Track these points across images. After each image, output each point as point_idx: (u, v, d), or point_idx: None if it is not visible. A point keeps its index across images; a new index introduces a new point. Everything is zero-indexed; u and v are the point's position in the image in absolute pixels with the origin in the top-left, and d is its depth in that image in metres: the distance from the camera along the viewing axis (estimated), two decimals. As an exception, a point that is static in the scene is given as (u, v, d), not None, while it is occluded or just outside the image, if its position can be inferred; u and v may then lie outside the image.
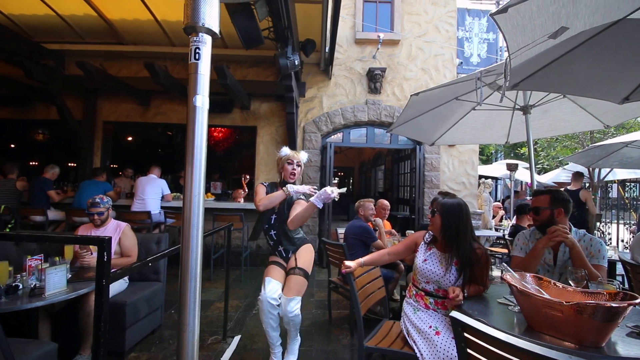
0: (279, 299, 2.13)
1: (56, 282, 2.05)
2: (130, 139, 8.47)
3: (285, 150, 2.45)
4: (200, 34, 1.17)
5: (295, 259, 2.30)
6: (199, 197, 1.20)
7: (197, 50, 1.16)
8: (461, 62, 6.11)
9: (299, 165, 2.42)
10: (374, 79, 5.49)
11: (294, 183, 2.39)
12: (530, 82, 2.11)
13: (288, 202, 2.33)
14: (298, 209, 2.22)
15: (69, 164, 7.64)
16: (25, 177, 4.95)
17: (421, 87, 5.55)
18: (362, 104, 5.59)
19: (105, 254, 1.16)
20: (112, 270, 1.32)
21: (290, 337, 2.32)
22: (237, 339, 2.78)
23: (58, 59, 4.85)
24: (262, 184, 2.46)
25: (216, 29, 1.19)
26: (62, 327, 2.36)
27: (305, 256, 2.32)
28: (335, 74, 5.58)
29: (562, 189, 5.71)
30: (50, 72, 4.54)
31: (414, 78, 5.67)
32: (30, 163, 8.23)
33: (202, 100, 1.19)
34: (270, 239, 2.36)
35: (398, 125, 3.54)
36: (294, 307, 2.12)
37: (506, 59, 1.86)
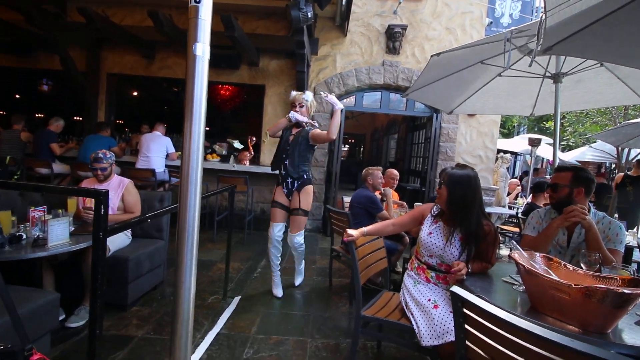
0: (283, 234, 2.94)
1: (59, 233, 2.12)
2: (135, 94, 8.43)
3: (292, 94, 2.98)
4: (199, -27, 1.07)
5: (299, 200, 2.88)
6: (197, 154, 1.16)
7: (196, -8, 1.07)
8: (491, 22, 5.71)
9: (301, 106, 2.92)
10: (393, 38, 5.20)
11: (300, 124, 2.92)
12: (565, 46, 1.95)
13: (301, 137, 2.87)
14: (319, 131, 2.87)
15: (75, 118, 7.70)
16: (30, 128, 5.01)
17: (444, 48, 5.24)
18: (378, 65, 5.35)
19: (102, 207, 1.17)
20: (111, 224, 1.34)
21: (297, 263, 3.25)
22: (237, 299, 2.89)
23: (59, 4, 4.70)
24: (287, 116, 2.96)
25: (216, -32, 1.10)
26: (65, 278, 2.47)
27: (307, 199, 2.92)
28: (351, 30, 5.30)
29: (622, 173, 5.51)
30: (52, 18, 4.42)
31: (437, 38, 5.35)
32: (37, 115, 8.32)
33: (202, 49, 1.12)
34: (284, 169, 2.90)
35: (415, 89, 3.39)
36: (300, 240, 2.98)
37: (541, 17, 1.71)
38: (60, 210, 2.36)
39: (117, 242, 2.63)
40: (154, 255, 2.83)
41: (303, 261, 3.26)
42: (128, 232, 2.82)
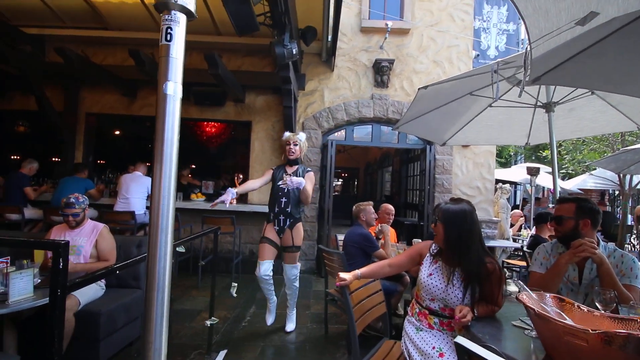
0: (271, 272, 3.02)
1: (21, 287, 2.01)
2: (117, 133, 8.47)
3: (286, 135, 3.19)
4: (172, 12, 1.10)
5: (292, 237, 3.09)
6: (168, 198, 1.13)
7: (169, 30, 1.09)
8: (477, 55, 6.00)
9: (295, 144, 3.14)
10: (380, 72, 5.41)
11: (295, 160, 3.17)
12: (553, 76, 2.02)
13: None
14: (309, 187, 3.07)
15: (51, 159, 7.65)
16: (3, 172, 4.93)
17: (433, 81, 5.46)
18: (367, 99, 5.51)
19: (60, 260, 1.09)
20: (76, 277, 1.26)
21: (290, 305, 3.30)
22: (222, 353, 2.71)
23: (37, 44, 4.83)
24: (272, 168, 3.25)
25: (191, 7, 1.13)
26: (30, 337, 2.30)
27: (299, 235, 3.14)
28: (338, 65, 5.52)
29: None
30: (29, 58, 4.52)
31: (425, 71, 5.58)
32: (12, 157, 8.25)
33: (174, 88, 1.12)
34: (279, 207, 3.07)
35: (405, 122, 3.45)
36: (295, 272, 3.16)
37: (526, 48, 1.78)
38: (25, 261, 2.25)
39: (89, 293, 2.49)
40: (131, 307, 2.69)
41: (295, 304, 3.31)
42: (101, 282, 2.68)
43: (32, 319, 2.38)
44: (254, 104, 5.50)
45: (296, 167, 3.18)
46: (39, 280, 2.23)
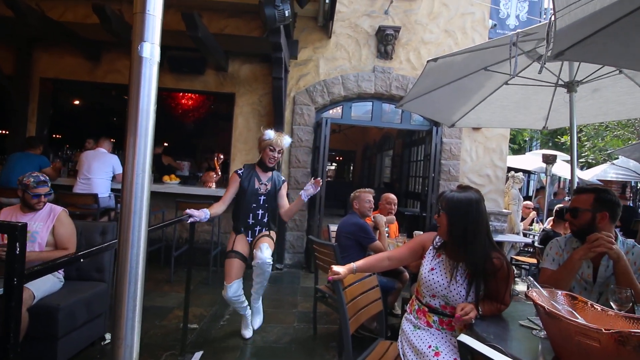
0: (242, 291, 2.95)
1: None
2: (76, 102, 8.30)
3: (270, 134, 3.04)
4: (149, -40, 1.07)
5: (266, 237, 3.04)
6: (143, 176, 1.13)
7: (145, -19, 1.07)
8: (495, 25, 5.99)
9: (280, 153, 3.08)
10: (384, 41, 5.37)
11: (272, 168, 3.12)
12: (579, 51, 2.04)
13: (276, 188, 3.13)
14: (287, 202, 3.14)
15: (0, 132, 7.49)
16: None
17: (443, 53, 5.46)
18: (368, 72, 5.48)
19: (17, 244, 1.09)
20: (33, 265, 1.26)
21: (255, 296, 3.18)
22: (198, 355, 2.76)
23: (-18, -6, 4.64)
24: (237, 172, 3.10)
25: (170, -46, 1.10)
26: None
27: (273, 240, 3.10)
28: (336, 31, 5.45)
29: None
30: (-28, 11, 4.35)
31: (435, 42, 5.56)
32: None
33: (150, 50, 1.10)
34: (254, 218, 3.03)
35: (410, 99, 3.46)
36: (269, 256, 2.90)
37: (550, 18, 1.79)
38: (-31, 249, 2.23)
39: (45, 286, 2.49)
40: (93, 303, 2.70)
41: (261, 296, 3.27)
42: (59, 274, 2.68)
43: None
44: (238, 74, 5.42)
45: (270, 173, 3.14)
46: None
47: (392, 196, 4.01)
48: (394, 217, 3.91)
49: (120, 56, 5.39)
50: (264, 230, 3.08)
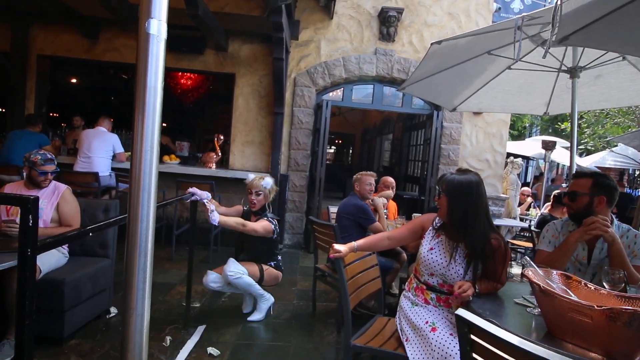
0: (218, 281, 2.96)
1: (-25, 251, 2.03)
2: (73, 81, 8.22)
3: (249, 177, 3.08)
4: None
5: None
6: (151, 154, 1.15)
7: (154, -44, 1.07)
8: (499, 8, 5.93)
9: (258, 194, 3.02)
10: (387, 22, 5.31)
11: (258, 212, 3.08)
12: (584, 36, 2.04)
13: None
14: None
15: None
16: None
17: (446, 36, 5.42)
18: (370, 54, 5.44)
19: (30, 217, 1.12)
20: (42, 239, 1.29)
21: (257, 298, 3.12)
22: (200, 329, 2.84)
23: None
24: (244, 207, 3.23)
25: None
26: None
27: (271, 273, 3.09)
28: (338, 12, 5.38)
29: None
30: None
31: (438, 24, 5.50)
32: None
33: (157, 27, 1.12)
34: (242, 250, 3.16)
35: (413, 82, 3.45)
36: (231, 268, 2.87)
37: (556, 2, 1.78)
38: (-24, 223, 2.27)
39: (50, 261, 2.53)
40: (98, 278, 2.75)
41: (267, 296, 3.14)
42: (64, 249, 2.72)
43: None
44: (239, 54, 5.37)
45: (259, 217, 3.03)
46: (-6, 244, 2.25)
47: (391, 179, 4.05)
48: (392, 192, 3.95)
49: (118, 34, 5.33)
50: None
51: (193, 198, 2.72)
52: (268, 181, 3.06)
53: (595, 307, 1.17)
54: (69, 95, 8.10)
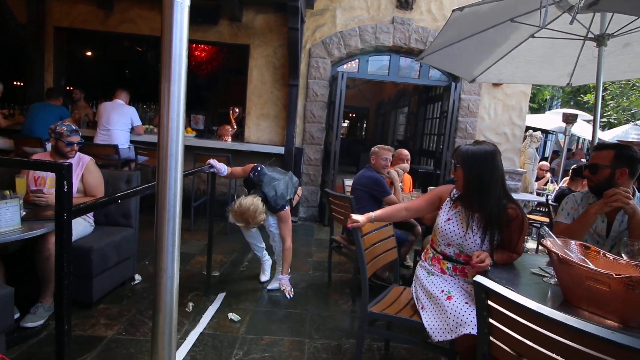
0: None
1: (8, 219, 2.12)
2: (89, 54, 8.24)
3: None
4: None
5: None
6: (178, 121, 1.18)
7: None
8: (524, -27, 5.66)
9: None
10: (405, -11, 5.13)
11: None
12: (614, 1, 1.97)
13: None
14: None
15: (14, 82, 7.52)
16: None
17: (466, 3, 5.24)
18: (387, 23, 5.29)
19: (65, 182, 1.17)
20: (78, 204, 1.36)
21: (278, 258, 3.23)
22: (221, 296, 2.96)
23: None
24: (257, 168, 3.07)
25: None
26: (17, 271, 2.48)
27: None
28: (355, -21, 5.21)
29: None
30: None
31: (459, -9, 5.29)
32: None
33: (182, -7, 1.11)
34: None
35: (432, 52, 3.37)
36: (271, 222, 3.05)
37: (588, -36, 1.71)
38: (7, 192, 2.35)
39: (78, 229, 2.64)
40: (122, 246, 2.86)
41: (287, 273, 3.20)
42: (90, 218, 2.83)
43: (18, 253, 2.55)
44: (253, 24, 5.29)
45: None
46: (24, 213, 2.35)
47: (405, 152, 4.03)
48: (408, 165, 3.94)
49: (133, 5, 5.29)
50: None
51: (212, 169, 2.77)
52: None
53: (614, 275, 1.19)
54: (83, 69, 8.15)
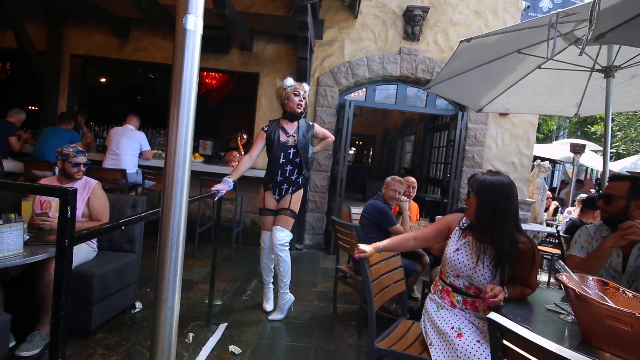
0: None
1: (11, 243, 2.10)
2: (102, 80, 8.46)
3: (290, 81, 3.01)
4: None
5: (290, 200, 3.02)
6: (185, 148, 1.17)
7: (191, -46, 1.09)
8: (528, 6, 5.77)
9: (304, 98, 3.00)
10: (412, 21, 5.26)
11: (301, 114, 3.04)
12: (621, 33, 1.98)
13: (308, 134, 3.09)
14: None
15: (30, 107, 7.71)
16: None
17: (473, 34, 5.34)
18: (394, 54, 5.39)
19: (69, 208, 1.16)
20: (78, 231, 1.33)
21: (280, 287, 3.05)
22: (222, 327, 2.87)
23: (17, -30, 4.75)
24: (263, 129, 3.11)
25: None
26: (17, 297, 2.44)
27: (298, 202, 3.08)
28: (362, 11, 5.36)
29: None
30: (7, -15, 4.47)
31: (464, 23, 5.41)
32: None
33: (194, 22, 1.13)
34: (282, 175, 3.00)
35: (439, 81, 3.40)
36: (282, 236, 2.93)
37: (594, -2, 1.73)
38: (12, 215, 2.35)
39: (80, 254, 2.61)
40: (125, 272, 2.81)
41: (289, 295, 3.12)
42: (93, 244, 2.80)
43: (19, 278, 2.51)
44: (263, 53, 5.42)
45: (297, 123, 3.05)
46: (28, 237, 2.33)
47: (412, 179, 3.99)
48: (408, 202, 3.80)
49: (147, 33, 5.46)
50: (290, 189, 3.04)
51: (219, 195, 2.74)
52: (307, 86, 3.09)
53: (638, 314, 1.12)
54: (97, 94, 8.35)
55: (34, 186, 1.92)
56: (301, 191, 3.12)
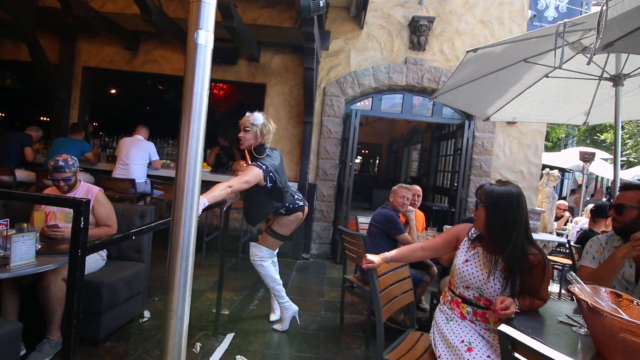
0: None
1: (23, 252, 2.13)
2: (113, 91, 8.61)
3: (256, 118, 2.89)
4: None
5: (274, 221, 2.96)
6: (196, 159, 1.19)
7: (202, -29, 1.11)
8: (534, 15, 5.79)
9: (246, 130, 2.80)
10: (418, 31, 5.29)
11: (254, 158, 2.88)
12: (629, 42, 1.98)
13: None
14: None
15: (40, 117, 7.86)
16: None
17: (478, 44, 5.35)
18: (400, 63, 5.42)
19: (82, 219, 1.17)
20: (90, 241, 1.35)
21: (277, 299, 3.08)
22: (229, 336, 2.86)
23: (31, -15, 4.87)
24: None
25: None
26: (28, 305, 2.46)
27: (284, 224, 2.95)
28: (368, 22, 5.41)
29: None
30: (22, 0, 4.58)
31: (470, 33, 5.43)
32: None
33: (205, 37, 1.15)
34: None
35: (445, 91, 3.41)
36: (254, 252, 2.93)
37: (601, 7, 1.73)
38: (25, 225, 2.38)
39: (89, 264, 2.63)
40: (133, 281, 2.83)
41: (283, 295, 3.07)
42: (103, 253, 2.82)
43: (31, 287, 2.53)
44: (270, 64, 5.48)
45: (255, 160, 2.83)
46: (39, 246, 2.36)
47: (417, 187, 3.97)
48: (414, 212, 3.76)
49: (157, 46, 5.56)
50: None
51: (227, 204, 2.75)
52: (257, 116, 2.79)
53: (652, 328, 1.10)
54: (107, 105, 8.50)
55: (47, 197, 1.94)
56: (289, 216, 2.95)
